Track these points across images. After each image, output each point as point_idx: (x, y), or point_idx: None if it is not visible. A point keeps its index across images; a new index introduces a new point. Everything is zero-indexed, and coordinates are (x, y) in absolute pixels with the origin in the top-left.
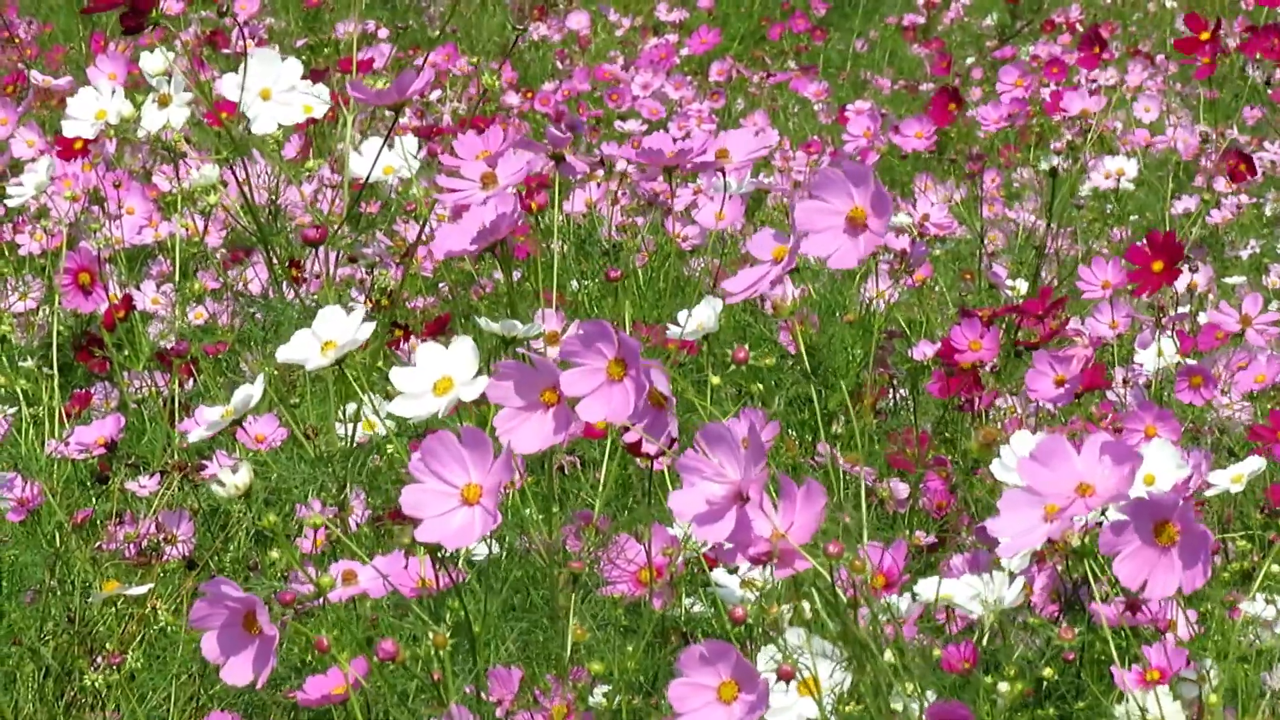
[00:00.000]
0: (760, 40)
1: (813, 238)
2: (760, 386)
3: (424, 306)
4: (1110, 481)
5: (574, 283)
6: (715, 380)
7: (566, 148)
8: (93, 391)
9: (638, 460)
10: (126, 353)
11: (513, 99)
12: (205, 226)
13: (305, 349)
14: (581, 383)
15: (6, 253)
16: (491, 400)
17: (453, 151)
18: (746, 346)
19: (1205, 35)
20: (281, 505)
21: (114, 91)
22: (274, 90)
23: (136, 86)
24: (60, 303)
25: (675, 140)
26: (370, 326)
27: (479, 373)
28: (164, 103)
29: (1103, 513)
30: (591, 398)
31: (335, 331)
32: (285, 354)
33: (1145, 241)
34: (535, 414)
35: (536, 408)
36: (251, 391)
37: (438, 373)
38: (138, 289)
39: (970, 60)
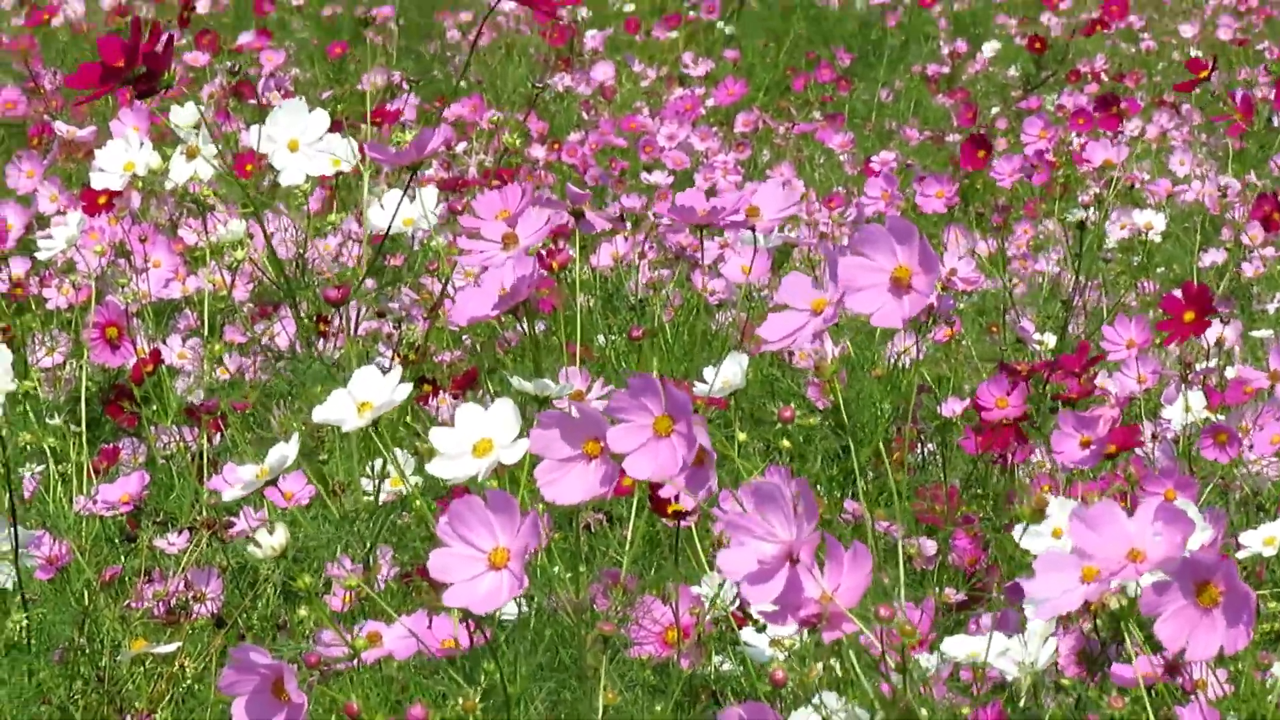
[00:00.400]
0: (785, 91)
1: (856, 295)
2: (788, 442)
3: (451, 360)
4: (1162, 547)
5: (601, 337)
6: (743, 436)
7: (586, 204)
8: (120, 446)
9: (663, 518)
10: (155, 407)
11: (538, 151)
12: (232, 281)
13: (342, 410)
14: (628, 438)
15: (34, 307)
16: (533, 451)
17: (473, 211)
18: (789, 406)
19: (1204, 74)
20: (310, 563)
21: (142, 144)
22: (302, 142)
23: (162, 138)
24: (88, 357)
25: (704, 192)
26: (407, 388)
27: (519, 434)
28: (191, 155)
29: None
30: (638, 453)
31: (372, 392)
32: (322, 415)
33: (1177, 291)
34: (577, 465)
35: (579, 459)
36: (286, 452)
37: (477, 434)
38: (165, 343)
39: (995, 110)
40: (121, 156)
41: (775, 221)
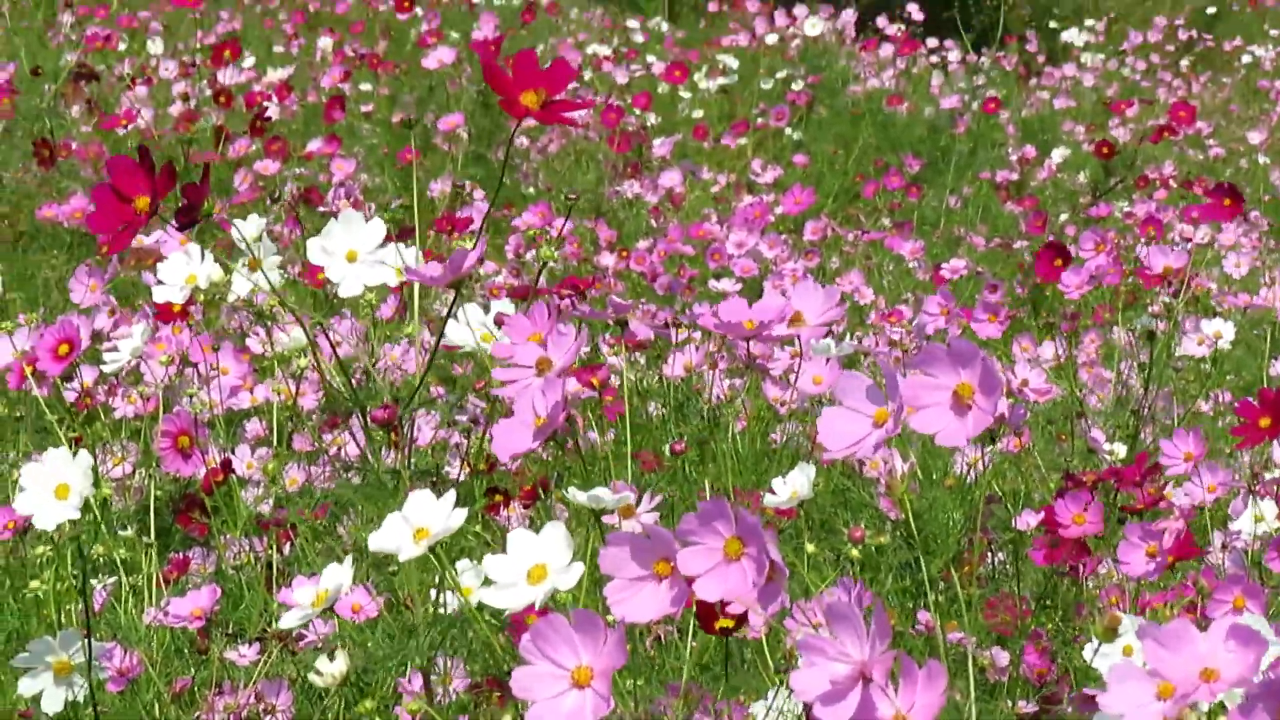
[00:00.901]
0: (854, 198)
1: (919, 414)
2: (857, 553)
3: (519, 468)
4: (1236, 667)
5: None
6: (812, 549)
7: (630, 313)
8: (190, 556)
9: (714, 632)
10: (224, 518)
11: (607, 259)
12: (298, 390)
13: (397, 537)
14: (698, 561)
15: (102, 416)
16: (604, 571)
17: (509, 334)
18: (859, 526)
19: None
20: (377, 678)
21: (204, 255)
22: (361, 253)
23: (231, 247)
24: (158, 466)
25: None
26: (462, 514)
27: (573, 558)
28: (254, 267)
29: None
30: (708, 576)
31: (427, 518)
32: (378, 543)
33: (1254, 397)
34: (648, 585)
35: (649, 579)
36: (342, 577)
37: (531, 560)
38: (234, 453)
39: (1064, 217)
40: (183, 269)
41: (821, 328)
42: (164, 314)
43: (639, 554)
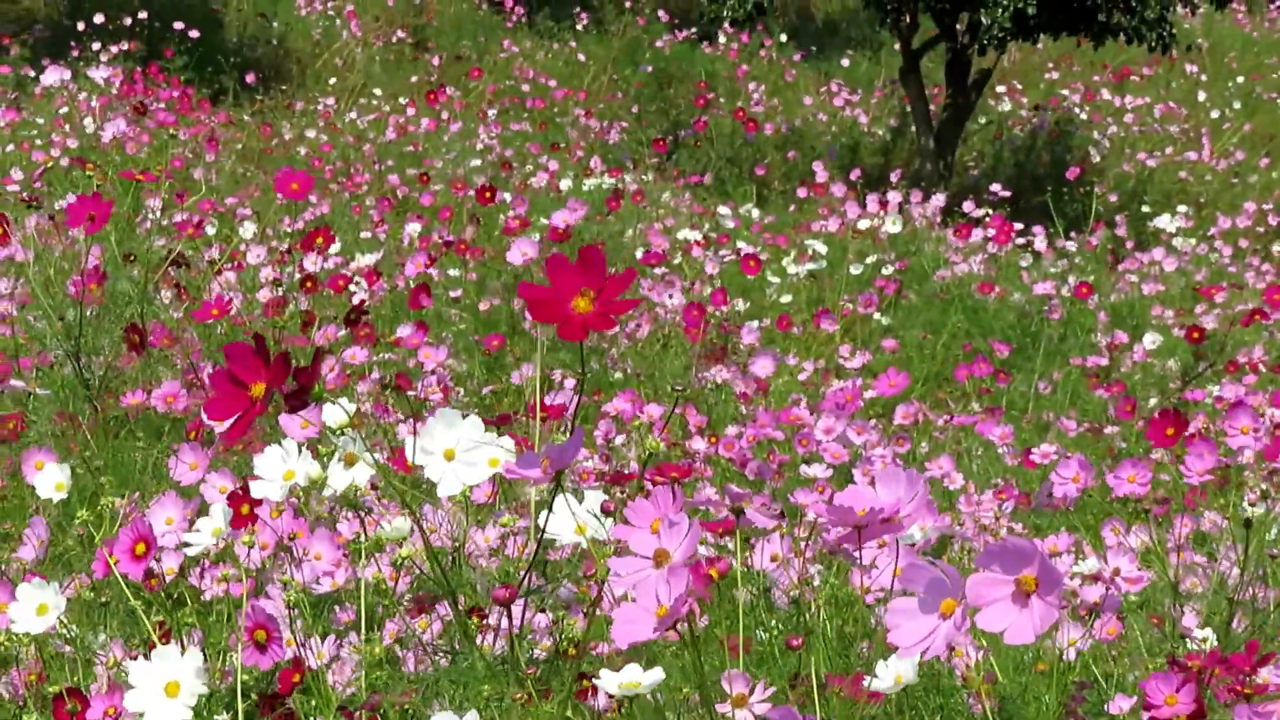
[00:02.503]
0: (943, 382)
1: (985, 611)
2: None
3: (609, 653)
4: None
5: (760, 633)
6: None
7: (747, 501)
8: None
9: None
10: (314, 703)
11: (698, 444)
12: (397, 579)
13: None
14: None
15: (189, 600)
16: None
17: (624, 519)
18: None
19: None
20: None
21: (300, 450)
22: (458, 450)
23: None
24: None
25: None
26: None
27: None
28: (350, 462)
29: None
30: None
31: None
32: None
33: None
34: None
35: None
36: None
37: None
38: (323, 638)
39: (1153, 402)
40: (281, 465)
41: (915, 518)
42: (237, 518)
43: None
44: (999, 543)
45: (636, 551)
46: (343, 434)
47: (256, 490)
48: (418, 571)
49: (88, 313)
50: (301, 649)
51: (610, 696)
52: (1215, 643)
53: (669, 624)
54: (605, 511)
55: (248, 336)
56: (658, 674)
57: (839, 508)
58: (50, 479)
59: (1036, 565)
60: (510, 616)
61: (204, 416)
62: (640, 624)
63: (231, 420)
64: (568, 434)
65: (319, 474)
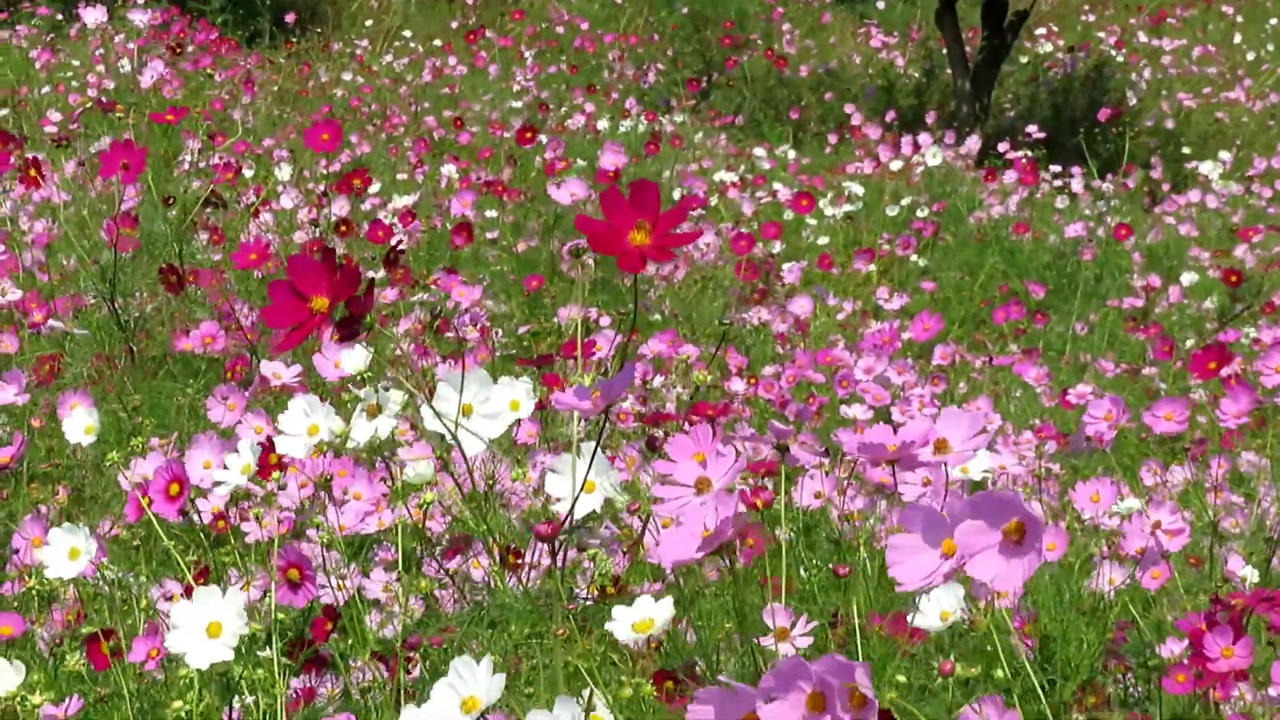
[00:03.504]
0: (980, 324)
1: (974, 560)
2: (1001, 673)
3: (649, 593)
4: None
5: (802, 571)
6: (964, 670)
7: (791, 439)
8: (316, 686)
9: None
10: (350, 641)
11: (737, 385)
12: (424, 519)
13: (447, 711)
14: (782, 717)
15: (232, 539)
16: None
17: (665, 455)
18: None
19: None
20: None
21: (325, 406)
22: (475, 404)
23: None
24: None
25: (896, 425)
26: (501, 679)
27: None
28: (372, 414)
29: None
30: None
31: (475, 687)
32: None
33: None
34: None
35: None
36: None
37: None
38: (368, 577)
39: (1190, 343)
40: (304, 420)
41: (966, 454)
42: (264, 468)
43: (724, 710)
44: (984, 494)
45: (680, 481)
46: (366, 384)
47: (281, 446)
48: (453, 514)
49: (124, 255)
50: (335, 593)
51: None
52: (1256, 582)
53: (713, 545)
54: (651, 446)
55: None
56: (667, 607)
57: (872, 444)
58: (79, 423)
59: (1020, 515)
60: (553, 553)
61: (263, 321)
62: (685, 545)
63: (287, 330)
64: (608, 373)
65: (342, 429)
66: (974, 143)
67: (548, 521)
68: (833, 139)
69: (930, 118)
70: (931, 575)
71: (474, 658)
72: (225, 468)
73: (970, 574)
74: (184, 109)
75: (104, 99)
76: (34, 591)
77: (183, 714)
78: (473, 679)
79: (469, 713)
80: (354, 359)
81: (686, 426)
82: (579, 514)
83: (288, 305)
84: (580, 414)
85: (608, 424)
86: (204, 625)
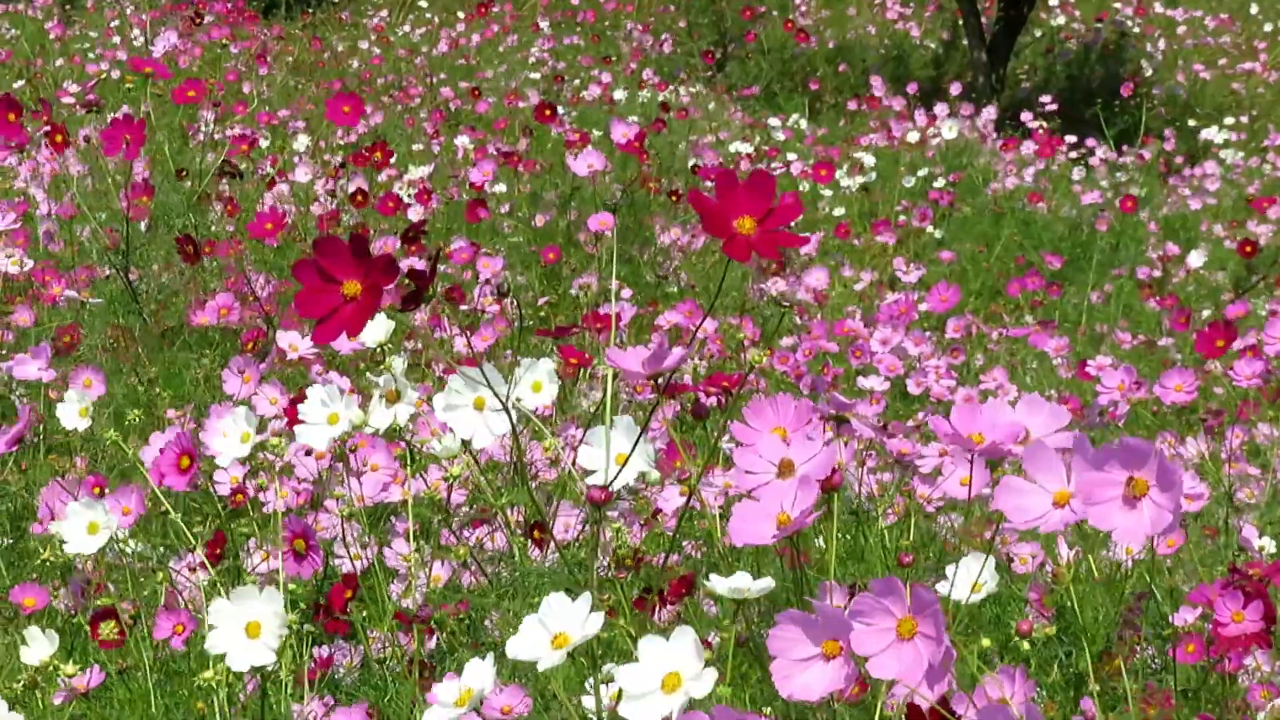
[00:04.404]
0: (996, 295)
1: (1095, 509)
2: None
3: (667, 564)
4: None
5: (819, 540)
6: (987, 642)
7: (851, 411)
8: (333, 653)
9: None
10: (366, 613)
11: (755, 355)
12: (449, 492)
13: (536, 645)
14: (871, 641)
15: (250, 510)
16: (772, 651)
17: (741, 418)
18: (1026, 619)
19: None
20: None
21: (344, 395)
22: (486, 399)
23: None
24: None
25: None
26: (599, 619)
27: (706, 664)
28: (391, 400)
29: None
30: (882, 655)
31: (565, 623)
32: (516, 650)
33: None
34: (815, 664)
35: (817, 659)
36: (484, 678)
37: (663, 668)
38: (389, 546)
39: (1206, 314)
40: (324, 409)
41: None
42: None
43: (809, 634)
44: (1117, 442)
45: (762, 454)
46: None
47: (301, 436)
48: (474, 487)
49: (140, 226)
50: (353, 563)
51: (674, 610)
52: (1275, 553)
53: (789, 532)
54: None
55: (303, 250)
56: (768, 582)
57: (955, 434)
58: (72, 408)
59: (1152, 468)
60: (600, 519)
61: (296, 310)
62: (760, 526)
63: (323, 318)
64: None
65: (360, 419)
66: (990, 114)
67: (600, 487)
68: (852, 106)
69: (955, 89)
70: (1041, 518)
71: (570, 595)
72: (224, 436)
73: (1091, 523)
74: (199, 82)
75: (120, 71)
76: (48, 563)
77: (213, 684)
78: (567, 615)
79: (559, 648)
80: (374, 330)
81: (703, 398)
82: (616, 485)
83: (319, 291)
84: (625, 379)
85: (623, 395)
86: (243, 625)
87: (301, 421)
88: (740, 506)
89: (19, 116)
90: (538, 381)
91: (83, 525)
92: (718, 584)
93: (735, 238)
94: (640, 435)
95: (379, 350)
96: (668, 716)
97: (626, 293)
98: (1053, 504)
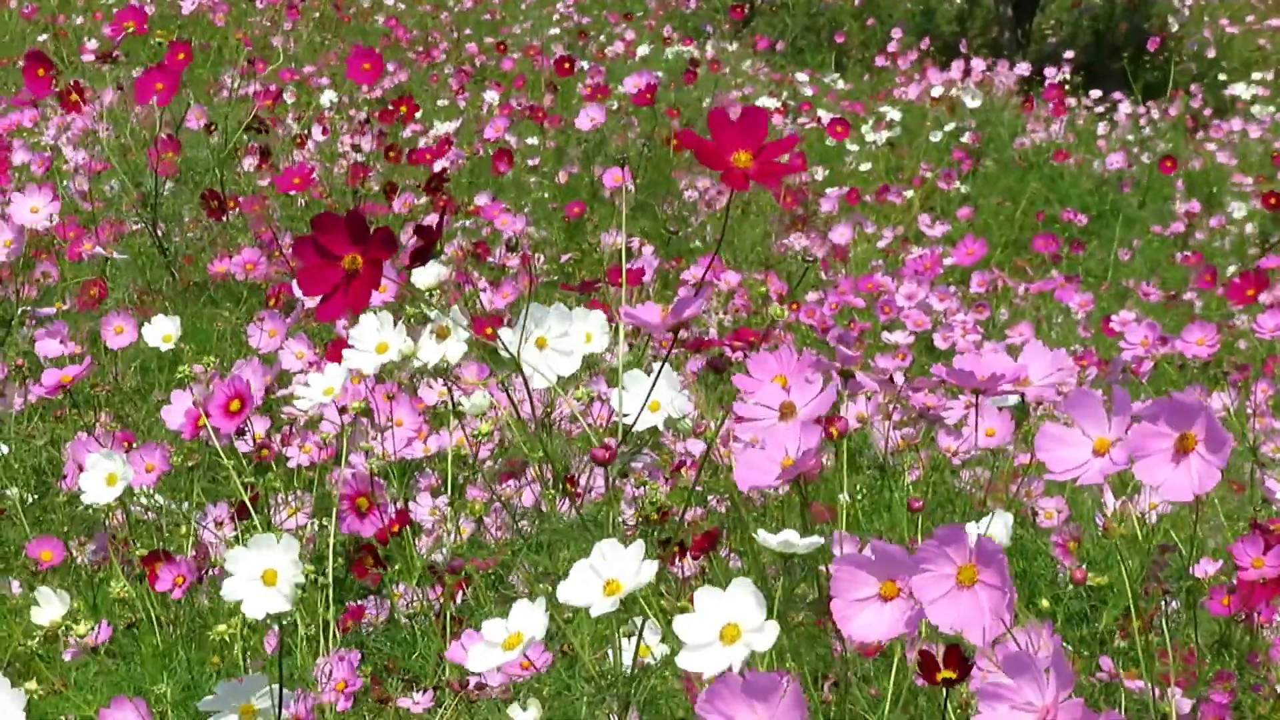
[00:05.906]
0: (1021, 250)
1: (1142, 462)
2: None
3: (694, 519)
4: None
5: (843, 496)
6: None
7: (857, 364)
8: (364, 605)
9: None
10: (398, 566)
11: (776, 310)
12: (477, 449)
13: (588, 591)
14: (932, 587)
15: (275, 466)
16: (832, 591)
17: (745, 369)
18: (1080, 568)
19: None
20: None
21: (395, 323)
22: (549, 339)
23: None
24: (336, 523)
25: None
26: (653, 566)
27: (768, 615)
28: (442, 336)
29: None
30: (942, 601)
31: (618, 569)
32: (567, 595)
33: None
34: (872, 605)
35: (874, 600)
36: (535, 622)
37: (721, 619)
38: (415, 501)
39: (1232, 269)
40: (374, 336)
41: (1045, 388)
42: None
43: (869, 574)
44: (1166, 398)
45: (762, 402)
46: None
47: (350, 360)
48: (501, 440)
49: (166, 182)
50: (381, 514)
51: (700, 565)
52: None
53: (793, 475)
54: (715, 369)
55: (329, 205)
56: (816, 539)
57: (960, 371)
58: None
59: (1202, 425)
60: (607, 477)
61: (296, 289)
62: (764, 471)
63: (325, 295)
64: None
65: (410, 349)
66: (1020, 69)
67: (604, 446)
68: (879, 61)
69: (962, 45)
70: (1081, 468)
71: (621, 543)
72: (308, 385)
73: (1138, 476)
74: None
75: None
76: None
77: (227, 638)
78: (620, 562)
79: (610, 595)
80: (425, 275)
81: (729, 352)
82: (640, 429)
83: (316, 265)
84: (646, 332)
85: (647, 349)
86: (259, 573)
87: (351, 346)
88: (745, 453)
89: (49, 71)
90: (589, 332)
91: (101, 476)
92: (767, 539)
93: (731, 170)
94: (658, 375)
95: (428, 295)
96: (729, 667)
97: (649, 249)
98: (1093, 452)
